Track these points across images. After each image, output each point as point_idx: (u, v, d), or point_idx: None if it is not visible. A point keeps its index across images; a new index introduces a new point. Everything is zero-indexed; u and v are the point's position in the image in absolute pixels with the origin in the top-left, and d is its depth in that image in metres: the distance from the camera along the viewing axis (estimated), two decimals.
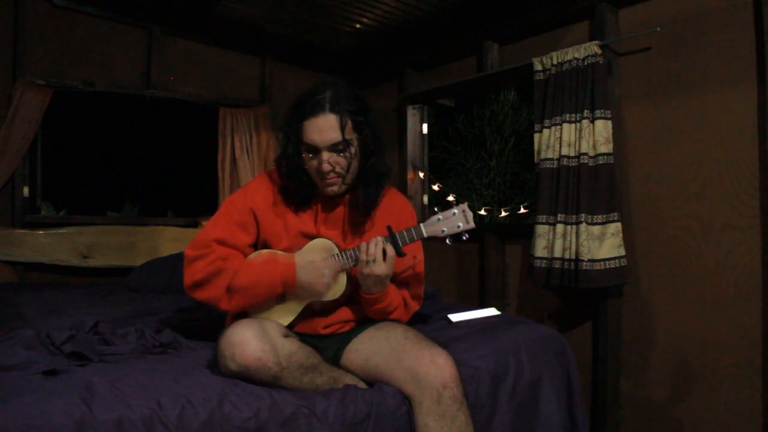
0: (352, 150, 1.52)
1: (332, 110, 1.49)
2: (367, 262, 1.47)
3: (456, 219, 1.52)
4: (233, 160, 3.66)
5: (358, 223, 1.63)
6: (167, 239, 3.47)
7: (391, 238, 1.51)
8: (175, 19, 3.48)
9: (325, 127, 1.48)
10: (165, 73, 3.49)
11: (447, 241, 1.54)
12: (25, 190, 3.19)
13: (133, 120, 5.11)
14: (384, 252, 1.47)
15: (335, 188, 1.55)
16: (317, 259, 1.54)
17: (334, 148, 1.50)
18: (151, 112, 3.86)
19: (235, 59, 3.75)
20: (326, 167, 1.50)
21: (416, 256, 1.69)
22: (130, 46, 3.41)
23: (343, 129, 1.49)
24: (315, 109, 1.49)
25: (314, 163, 1.52)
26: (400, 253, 1.51)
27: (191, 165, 5.07)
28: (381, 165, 1.61)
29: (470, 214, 1.53)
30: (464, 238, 1.54)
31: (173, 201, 5.20)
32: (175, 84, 3.53)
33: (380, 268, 1.47)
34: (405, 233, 1.52)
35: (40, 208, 3.60)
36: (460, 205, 1.54)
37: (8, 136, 3.01)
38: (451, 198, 3.55)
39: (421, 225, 1.53)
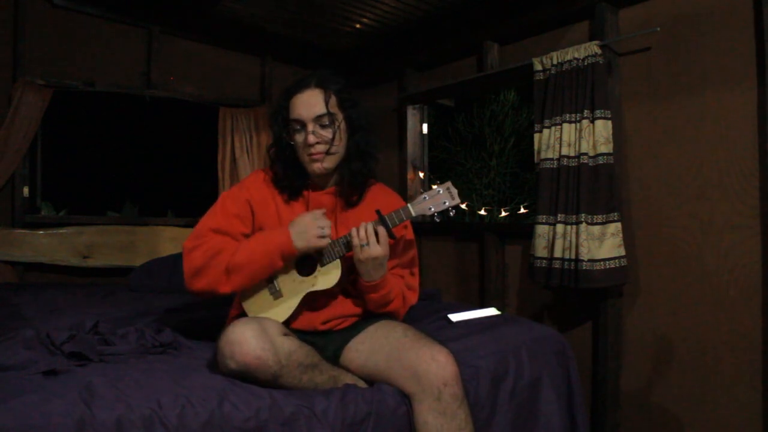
0: (337, 124, 1.58)
1: (317, 85, 1.58)
2: (362, 246, 1.48)
3: (442, 196, 1.54)
4: (233, 160, 3.66)
5: (348, 210, 1.67)
6: (167, 239, 3.47)
7: (381, 221, 1.53)
8: (175, 19, 3.48)
9: (310, 101, 1.56)
10: (165, 73, 3.49)
11: (435, 218, 1.56)
12: (25, 190, 3.19)
13: (133, 120, 5.10)
14: (376, 233, 1.49)
15: (320, 165, 1.58)
16: (306, 217, 1.54)
17: (318, 120, 1.56)
18: (151, 112, 3.86)
19: (235, 59, 3.76)
20: (311, 139, 1.54)
21: (408, 239, 1.73)
22: (130, 46, 3.41)
23: (327, 102, 1.56)
24: (301, 86, 1.59)
25: (300, 137, 1.58)
26: (391, 235, 1.53)
27: (191, 165, 5.06)
28: (366, 144, 1.64)
29: (455, 191, 1.55)
30: (451, 213, 1.57)
31: (173, 201, 5.19)
32: (175, 84, 3.53)
33: (376, 250, 1.48)
34: (394, 215, 1.54)
35: (40, 208, 3.61)
36: (444, 183, 1.56)
37: (8, 136, 3.02)
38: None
39: (409, 205, 1.56)
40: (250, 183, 1.68)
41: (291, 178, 1.63)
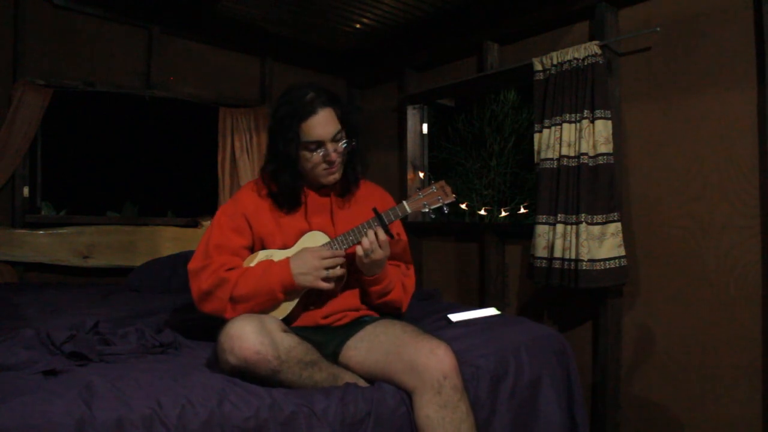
0: (344, 135, 1.66)
1: (326, 104, 1.63)
2: (366, 253, 1.55)
3: (436, 194, 1.62)
4: (233, 160, 3.66)
5: (344, 208, 1.75)
6: (167, 239, 3.47)
7: (379, 219, 1.59)
8: (175, 19, 3.48)
9: (326, 121, 1.62)
10: (165, 73, 3.49)
11: (430, 214, 1.63)
12: (25, 190, 3.19)
13: (133, 120, 5.11)
14: (376, 236, 1.55)
15: (337, 175, 1.68)
16: (311, 257, 1.57)
17: (334, 138, 1.64)
18: (151, 112, 3.86)
19: (235, 59, 3.75)
20: (334, 156, 1.63)
21: (399, 233, 1.80)
22: (130, 46, 3.41)
23: (340, 119, 1.65)
24: (314, 107, 1.61)
25: (317, 157, 1.63)
26: (389, 234, 1.59)
27: (191, 165, 5.07)
28: (362, 147, 1.75)
29: (449, 189, 1.63)
30: (445, 211, 1.63)
31: (173, 201, 5.20)
32: (175, 84, 3.53)
33: (378, 254, 1.56)
34: (390, 212, 1.61)
35: (40, 208, 3.60)
36: (439, 182, 1.64)
37: (8, 136, 3.01)
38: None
39: (404, 202, 1.63)
40: (244, 196, 1.73)
41: (292, 192, 1.67)
